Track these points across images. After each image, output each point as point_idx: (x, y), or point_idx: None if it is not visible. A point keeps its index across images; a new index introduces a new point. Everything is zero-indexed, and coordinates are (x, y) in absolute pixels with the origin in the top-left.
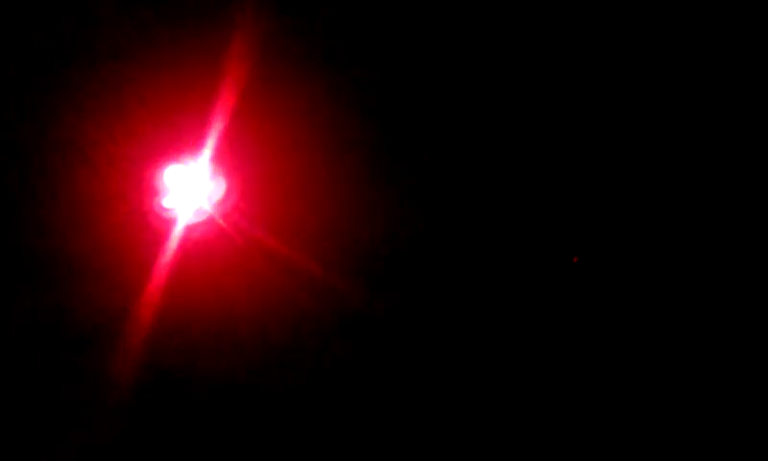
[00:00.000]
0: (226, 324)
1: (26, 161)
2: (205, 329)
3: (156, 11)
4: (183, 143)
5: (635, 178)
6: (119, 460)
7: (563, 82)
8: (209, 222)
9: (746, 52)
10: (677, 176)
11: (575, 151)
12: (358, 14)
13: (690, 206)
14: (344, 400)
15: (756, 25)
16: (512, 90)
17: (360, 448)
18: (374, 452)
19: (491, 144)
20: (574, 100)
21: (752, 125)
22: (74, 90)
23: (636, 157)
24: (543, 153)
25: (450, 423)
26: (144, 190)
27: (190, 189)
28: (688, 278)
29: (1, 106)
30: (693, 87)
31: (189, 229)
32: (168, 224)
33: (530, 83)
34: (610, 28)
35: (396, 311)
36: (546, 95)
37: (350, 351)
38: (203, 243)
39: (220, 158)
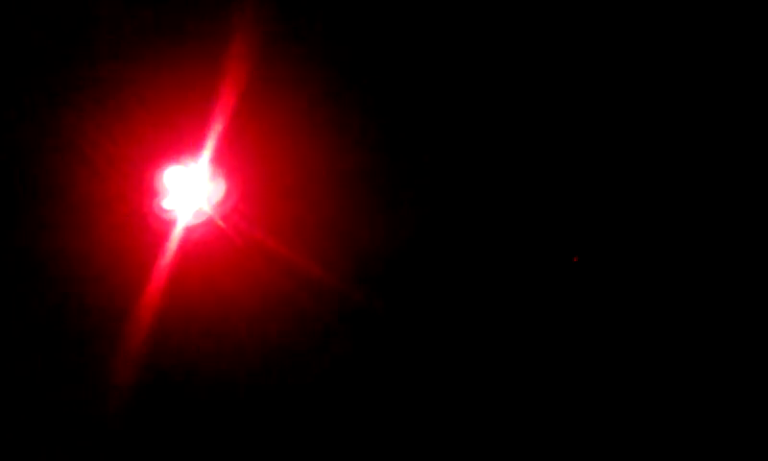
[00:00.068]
0: (225, 325)
1: (25, 162)
2: (205, 331)
3: (156, 11)
4: (183, 144)
5: (635, 178)
6: None
7: (563, 82)
8: (209, 223)
9: (746, 52)
10: (677, 176)
11: (575, 151)
12: (359, 15)
13: (690, 205)
14: (344, 401)
15: (755, 25)
16: (512, 90)
17: (360, 449)
18: (375, 453)
19: (491, 144)
20: (574, 100)
21: (752, 125)
22: (74, 91)
23: (637, 158)
24: (544, 153)
25: (451, 423)
26: (143, 191)
27: (190, 190)
28: (688, 277)
29: (1, 106)
30: (693, 87)
31: (189, 230)
32: (168, 225)
33: (530, 83)
34: (610, 28)
35: (397, 312)
36: (546, 95)
37: (351, 352)
38: (202, 244)
39: (220, 160)
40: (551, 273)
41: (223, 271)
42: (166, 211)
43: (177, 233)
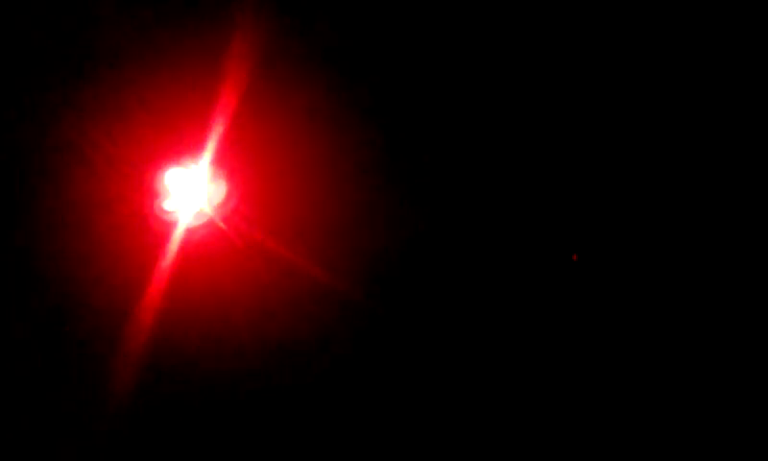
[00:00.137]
0: (226, 326)
1: (25, 162)
2: (206, 332)
3: (156, 11)
4: (184, 145)
5: (635, 178)
6: None
7: (563, 82)
8: (210, 225)
9: (746, 52)
10: (677, 176)
11: (575, 151)
12: (359, 15)
13: (690, 205)
14: (346, 402)
15: (756, 25)
16: (512, 90)
17: (361, 450)
18: (376, 454)
19: (492, 144)
20: (574, 100)
21: (752, 125)
22: (74, 91)
23: (636, 157)
24: (544, 153)
25: (452, 424)
26: (144, 192)
27: (191, 192)
28: (688, 277)
29: (1, 106)
30: (693, 87)
31: (190, 231)
32: (168, 226)
33: (530, 82)
34: (610, 28)
35: (400, 314)
36: (547, 95)
37: (353, 353)
38: (203, 246)
39: (221, 161)
40: (551, 272)
41: (224, 272)
42: (167, 213)
43: (177, 235)
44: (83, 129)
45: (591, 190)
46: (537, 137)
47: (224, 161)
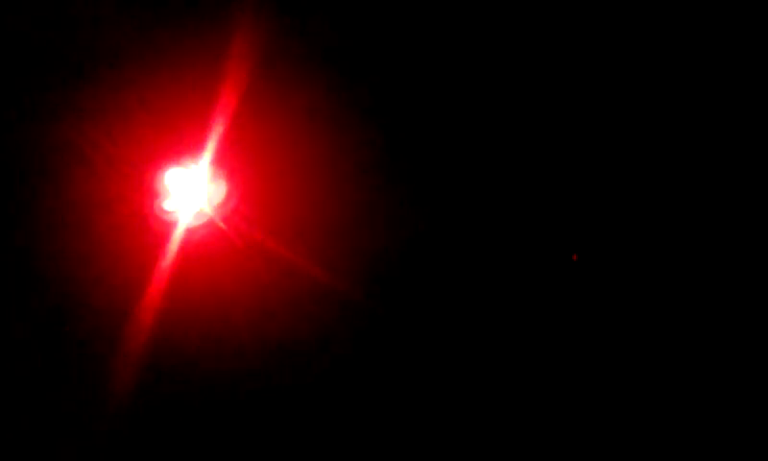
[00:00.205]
0: (226, 327)
1: (25, 162)
2: (206, 332)
3: (156, 11)
4: (184, 145)
5: (634, 177)
6: None
7: (563, 82)
8: (210, 225)
9: (746, 52)
10: (677, 176)
11: (575, 151)
12: (360, 15)
13: (690, 205)
14: (347, 404)
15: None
16: (513, 90)
17: (362, 451)
18: (376, 454)
19: (492, 144)
20: (574, 100)
21: (752, 125)
22: (74, 91)
23: (636, 157)
24: (544, 153)
25: (453, 425)
26: (144, 192)
27: (191, 192)
28: (688, 277)
29: (1, 106)
30: (693, 87)
31: (190, 231)
32: (168, 227)
33: (531, 82)
34: (610, 28)
35: (400, 314)
36: (547, 95)
37: (353, 354)
38: (203, 246)
39: (221, 161)
40: (551, 272)
41: (224, 272)
42: (167, 213)
43: (177, 235)
44: (82, 129)
45: (591, 190)
46: (536, 137)
47: (224, 161)
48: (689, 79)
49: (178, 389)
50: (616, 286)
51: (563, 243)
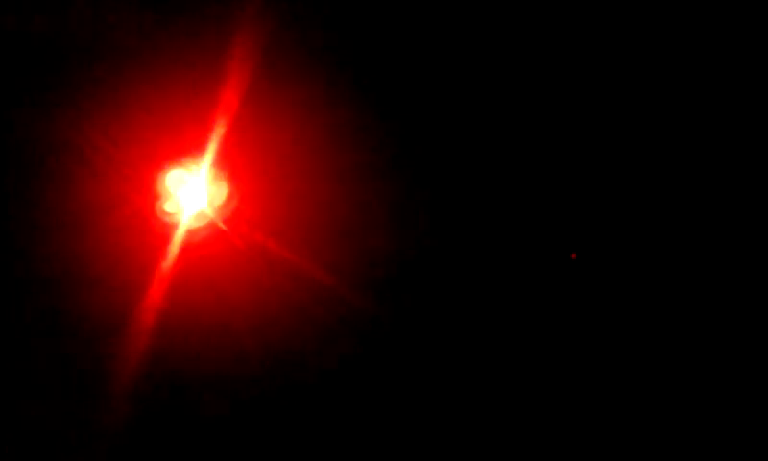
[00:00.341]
0: (227, 328)
1: (25, 163)
2: (207, 334)
3: (157, 12)
4: (185, 147)
5: (634, 177)
6: None
7: (563, 82)
8: (211, 226)
9: (746, 52)
10: (677, 175)
11: (575, 151)
12: (361, 16)
13: (690, 205)
14: (348, 406)
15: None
16: (513, 89)
17: (363, 452)
18: (377, 455)
19: (493, 144)
20: (574, 100)
21: (752, 125)
22: (74, 92)
23: (636, 157)
24: (544, 153)
25: (454, 428)
26: (145, 194)
27: (192, 193)
28: (688, 276)
29: (1, 106)
30: (693, 87)
31: (191, 233)
32: (170, 228)
33: (531, 82)
34: (610, 28)
35: (401, 315)
36: (547, 95)
37: (355, 357)
38: (204, 247)
39: (222, 162)
40: (551, 271)
41: (225, 274)
42: (168, 214)
43: (179, 236)
44: (83, 129)
45: (591, 190)
46: (537, 138)
47: (225, 163)
48: (689, 79)
49: (178, 391)
50: (616, 285)
51: (562, 242)
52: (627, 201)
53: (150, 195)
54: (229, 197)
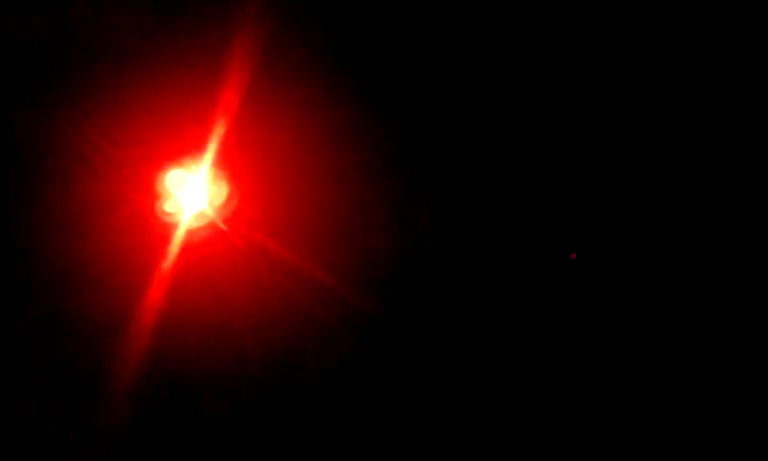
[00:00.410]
0: (227, 328)
1: (26, 164)
2: (207, 335)
3: (157, 12)
4: (185, 147)
5: (634, 177)
6: None
7: (563, 82)
8: (211, 226)
9: (746, 52)
10: (677, 175)
11: (575, 151)
12: (362, 16)
13: (690, 205)
14: (348, 406)
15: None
16: (513, 90)
17: (363, 453)
18: (378, 456)
19: (494, 145)
20: (574, 100)
21: (752, 125)
22: (74, 92)
23: (636, 157)
24: (544, 153)
25: (454, 428)
26: (145, 194)
27: (192, 193)
28: (688, 276)
29: (1, 106)
30: (693, 87)
31: (191, 233)
32: (170, 228)
33: (531, 82)
34: (610, 28)
35: (401, 315)
36: (547, 96)
37: (355, 357)
38: (204, 247)
39: (222, 162)
40: (551, 271)
41: (225, 274)
42: (168, 214)
43: (179, 236)
44: (83, 129)
45: (591, 190)
46: (537, 138)
47: (225, 163)
48: (689, 79)
49: (178, 391)
50: (616, 285)
51: (562, 242)
52: (627, 201)
53: (150, 195)
54: (229, 197)
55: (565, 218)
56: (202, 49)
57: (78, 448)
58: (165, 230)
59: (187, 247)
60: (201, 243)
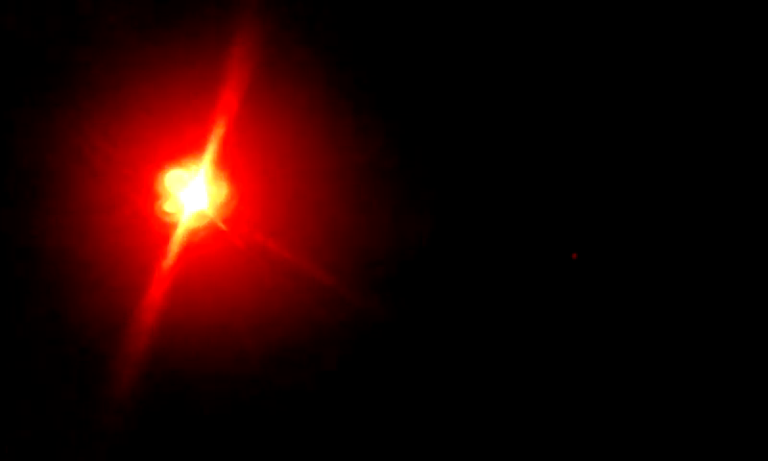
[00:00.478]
0: (227, 328)
1: (26, 164)
2: (207, 335)
3: (157, 12)
4: (185, 146)
5: (634, 177)
6: None
7: (563, 82)
8: (211, 226)
9: (746, 52)
10: (677, 175)
11: (575, 151)
12: (362, 16)
13: (690, 205)
14: (348, 406)
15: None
16: (513, 90)
17: (363, 453)
18: (378, 456)
19: (494, 145)
20: (574, 100)
21: (752, 125)
22: (75, 92)
23: (636, 157)
24: (544, 154)
25: (454, 428)
26: (145, 194)
27: (192, 193)
28: (688, 276)
29: (1, 106)
30: (693, 87)
31: (191, 233)
32: (169, 228)
33: (531, 82)
34: (610, 28)
35: (401, 316)
36: (547, 96)
37: (355, 357)
38: (204, 247)
39: (222, 162)
40: (551, 271)
41: (225, 274)
42: (168, 214)
43: (178, 236)
44: (83, 129)
45: (592, 190)
46: (537, 138)
47: (225, 163)
48: (689, 79)
49: (178, 391)
50: (616, 285)
51: (563, 242)
52: (627, 201)
53: (150, 195)
54: (229, 197)
55: (566, 218)
56: (202, 49)
57: (78, 448)
58: (165, 230)
59: (187, 247)
60: (201, 243)
